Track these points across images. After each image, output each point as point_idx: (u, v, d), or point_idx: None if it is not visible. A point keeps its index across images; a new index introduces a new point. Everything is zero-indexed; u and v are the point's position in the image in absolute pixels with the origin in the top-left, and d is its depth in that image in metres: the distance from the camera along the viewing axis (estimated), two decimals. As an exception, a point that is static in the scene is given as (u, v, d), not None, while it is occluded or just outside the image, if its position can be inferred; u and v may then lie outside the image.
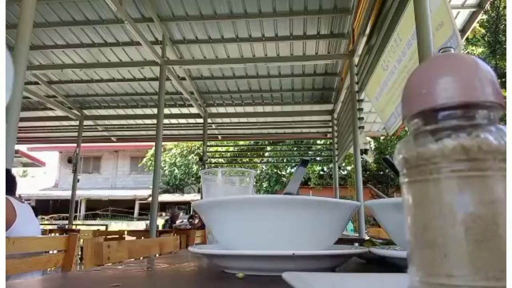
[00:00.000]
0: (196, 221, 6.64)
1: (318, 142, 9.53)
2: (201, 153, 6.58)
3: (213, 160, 7.90)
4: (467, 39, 8.83)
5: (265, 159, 12.13)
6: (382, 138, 13.48)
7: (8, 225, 1.79)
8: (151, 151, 18.09)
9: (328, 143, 7.89)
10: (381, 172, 15.10)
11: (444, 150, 0.25)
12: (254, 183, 0.97)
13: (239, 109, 6.84)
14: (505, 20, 9.10)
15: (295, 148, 9.28)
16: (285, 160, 10.74)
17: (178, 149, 19.33)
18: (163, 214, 15.20)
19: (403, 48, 2.80)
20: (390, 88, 3.22)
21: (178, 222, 8.45)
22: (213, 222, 0.65)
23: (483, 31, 9.89)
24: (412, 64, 2.65)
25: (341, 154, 6.20)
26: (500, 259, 0.23)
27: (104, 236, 3.42)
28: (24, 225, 1.88)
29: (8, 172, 2.02)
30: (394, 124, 3.40)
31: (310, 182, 15.71)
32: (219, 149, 8.77)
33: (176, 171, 19.20)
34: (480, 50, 10.33)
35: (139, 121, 7.29)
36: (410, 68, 2.71)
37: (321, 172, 16.15)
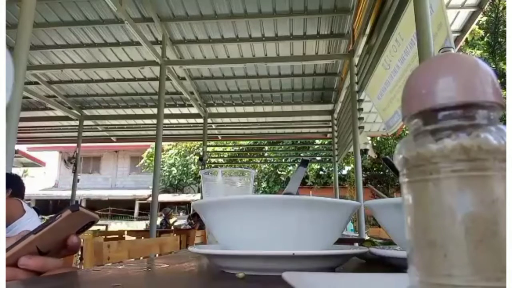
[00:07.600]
0: (197, 225, 6.61)
1: (318, 142, 9.53)
2: (201, 153, 6.57)
3: (213, 160, 7.89)
4: (466, 40, 8.86)
5: (265, 159, 12.14)
6: (378, 138, 13.50)
7: (15, 218, 1.82)
8: (146, 152, 18.13)
9: (328, 143, 7.89)
10: (381, 172, 15.10)
11: (444, 150, 0.25)
12: (254, 184, 0.97)
13: (239, 109, 6.84)
14: (504, 21, 9.10)
15: (293, 148, 9.26)
16: (284, 160, 10.72)
17: (176, 149, 19.35)
18: (162, 214, 15.23)
19: (405, 47, 2.81)
20: (394, 86, 3.22)
21: (172, 220, 8.42)
22: (213, 222, 0.65)
23: (481, 32, 9.90)
24: (416, 63, 2.66)
25: (341, 154, 6.20)
26: (500, 259, 0.23)
27: (104, 236, 3.43)
28: (29, 226, 1.89)
29: (17, 178, 2.10)
30: (396, 123, 3.40)
31: (308, 180, 15.72)
32: (219, 149, 8.76)
33: (175, 171, 19.21)
34: (478, 52, 10.35)
35: (139, 121, 7.28)
36: (414, 66, 2.71)
37: (320, 172, 16.17)
